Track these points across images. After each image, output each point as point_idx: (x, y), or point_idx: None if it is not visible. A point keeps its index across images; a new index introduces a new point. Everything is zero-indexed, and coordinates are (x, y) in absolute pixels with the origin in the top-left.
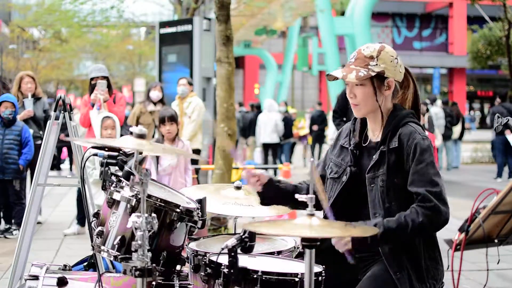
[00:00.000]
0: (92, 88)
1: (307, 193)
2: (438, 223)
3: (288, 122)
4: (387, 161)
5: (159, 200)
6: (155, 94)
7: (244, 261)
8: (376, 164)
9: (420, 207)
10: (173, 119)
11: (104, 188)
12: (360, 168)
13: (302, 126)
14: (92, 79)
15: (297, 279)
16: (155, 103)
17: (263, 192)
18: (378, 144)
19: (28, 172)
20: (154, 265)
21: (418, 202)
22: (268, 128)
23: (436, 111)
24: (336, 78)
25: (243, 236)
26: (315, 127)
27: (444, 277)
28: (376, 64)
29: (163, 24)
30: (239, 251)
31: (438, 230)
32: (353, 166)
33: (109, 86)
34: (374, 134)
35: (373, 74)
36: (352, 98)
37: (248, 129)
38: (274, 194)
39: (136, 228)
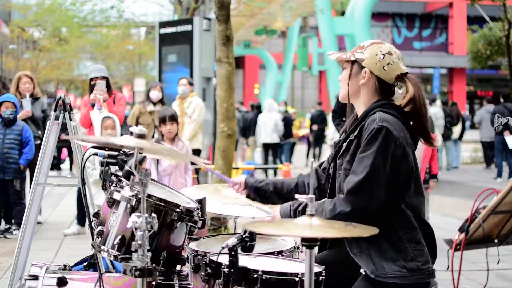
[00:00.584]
0: (91, 88)
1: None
2: (343, 213)
3: (288, 122)
4: (349, 149)
5: (159, 200)
6: (155, 94)
7: (244, 261)
8: (343, 152)
9: (337, 202)
10: (174, 118)
11: (104, 187)
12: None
13: (307, 126)
14: (91, 79)
15: (297, 279)
16: (154, 103)
17: (249, 195)
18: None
19: (28, 172)
20: (154, 265)
21: (337, 197)
22: (268, 128)
23: (435, 111)
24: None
25: (243, 236)
26: (315, 127)
27: (443, 277)
28: (361, 53)
29: (163, 24)
30: (239, 250)
31: (353, 219)
32: (335, 158)
33: (108, 86)
34: None
35: (353, 58)
36: (339, 80)
37: (248, 129)
38: (257, 195)
39: (136, 228)
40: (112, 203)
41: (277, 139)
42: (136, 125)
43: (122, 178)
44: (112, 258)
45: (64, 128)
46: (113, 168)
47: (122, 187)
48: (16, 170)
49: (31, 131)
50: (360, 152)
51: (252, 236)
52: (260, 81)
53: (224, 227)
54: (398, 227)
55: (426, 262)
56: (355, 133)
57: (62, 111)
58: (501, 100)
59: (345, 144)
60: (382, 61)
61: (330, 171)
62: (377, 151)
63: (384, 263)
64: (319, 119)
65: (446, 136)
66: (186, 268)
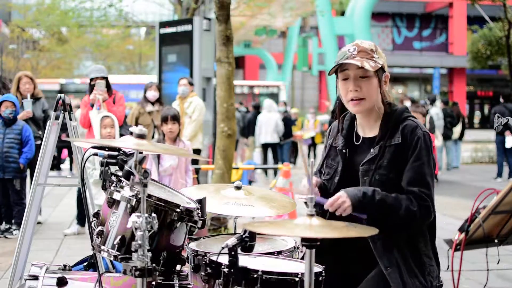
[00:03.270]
0: (91, 88)
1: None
2: (425, 221)
3: (287, 122)
4: (385, 155)
5: (159, 200)
6: (152, 94)
7: (244, 261)
8: (373, 158)
9: (416, 201)
10: (176, 118)
11: (104, 188)
12: (352, 166)
13: (314, 127)
14: (91, 79)
15: (297, 279)
16: (153, 103)
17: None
18: (377, 139)
19: (28, 172)
20: (154, 265)
21: (414, 197)
22: (269, 128)
23: (436, 111)
24: (335, 70)
25: (243, 236)
26: None
27: (443, 277)
28: (378, 57)
29: (163, 24)
30: (239, 250)
31: (421, 226)
32: (344, 166)
33: (108, 86)
34: (365, 131)
35: (380, 66)
36: (357, 91)
37: (247, 129)
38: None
39: (136, 228)
40: (112, 203)
41: (277, 139)
42: (136, 125)
43: (122, 178)
44: (112, 258)
45: (64, 128)
46: (113, 168)
47: (122, 187)
48: (16, 170)
49: (32, 130)
50: (414, 160)
51: (252, 236)
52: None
53: (224, 227)
54: (420, 240)
55: (437, 277)
56: (395, 141)
57: (62, 111)
58: (501, 100)
59: (374, 151)
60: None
61: (327, 176)
62: (429, 159)
63: (409, 280)
64: None
65: (447, 136)
66: (186, 268)
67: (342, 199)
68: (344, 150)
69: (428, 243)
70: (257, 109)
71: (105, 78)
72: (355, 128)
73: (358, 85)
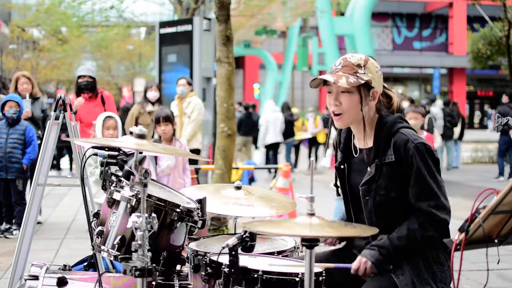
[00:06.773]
0: (78, 87)
1: None
2: (445, 231)
3: (291, 122)
4: (383, 174)
5: (159, 200)
6: (152, 94)
7: (244, 260)
8: (371, 178)
9: (427, 222)
10: (168, 119)
11: (104, 187)
12: (355, 179)
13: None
14: (79, 77)
15: (297, 279)
16: (153, 103)
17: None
18: (372, 156)
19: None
20: (154, 265)
21: (424, 217)
22: (277, 128)
23: (436, 111)
24: (319, 84)
25: (244, 236)
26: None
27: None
28: (364, 73)
29: (163, 24)
30: (239, 250)
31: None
32: (346, 181)
33: (94, 87)
34: (360, 142)
35: (362, 82)
36: (336, 106)
37: (238, 129)
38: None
39: (136, 228)
40: (112, 203)
41: (282, 138)
42: (136, 125)
43: (122, 178)
44: (112, 258)
45: (64, 128)
46: (113, 168)
47: (122, 187)
48: (18, 170)
49: None
50: (416, 175)
51: (252, 236)
52: (260, 81)
53: (224, 227)
54: (429, 248)
55: (448, 283)
56: (388, 159)
57: (62, 111)
58: (506, 100)
59: (371, 171)
60: (381, 77)
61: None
62: (430, 168)
63: (420, 286)
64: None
65: (447, 136)
66: (186, 268)
67: (363, 260)
68: (342, 166)
69: (438, 249)
70: (247, 109)
71: (93, 79)
72: (352, 140)
73: (339, 100)
